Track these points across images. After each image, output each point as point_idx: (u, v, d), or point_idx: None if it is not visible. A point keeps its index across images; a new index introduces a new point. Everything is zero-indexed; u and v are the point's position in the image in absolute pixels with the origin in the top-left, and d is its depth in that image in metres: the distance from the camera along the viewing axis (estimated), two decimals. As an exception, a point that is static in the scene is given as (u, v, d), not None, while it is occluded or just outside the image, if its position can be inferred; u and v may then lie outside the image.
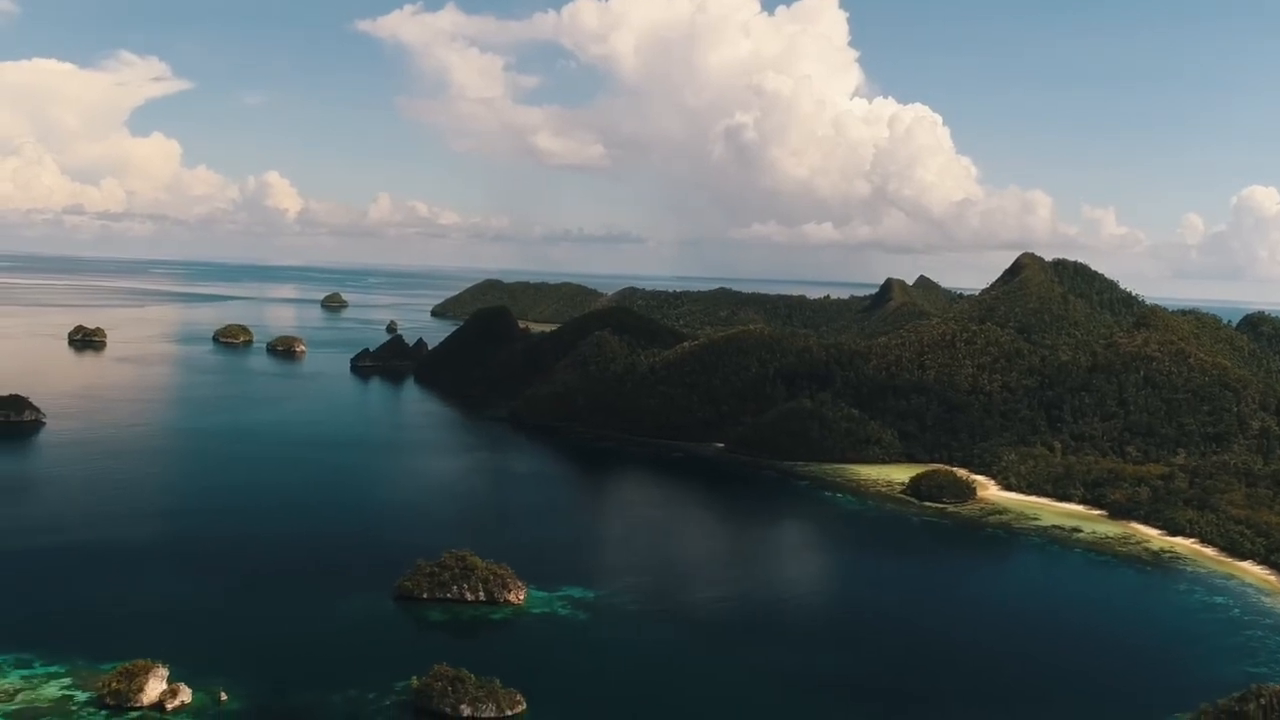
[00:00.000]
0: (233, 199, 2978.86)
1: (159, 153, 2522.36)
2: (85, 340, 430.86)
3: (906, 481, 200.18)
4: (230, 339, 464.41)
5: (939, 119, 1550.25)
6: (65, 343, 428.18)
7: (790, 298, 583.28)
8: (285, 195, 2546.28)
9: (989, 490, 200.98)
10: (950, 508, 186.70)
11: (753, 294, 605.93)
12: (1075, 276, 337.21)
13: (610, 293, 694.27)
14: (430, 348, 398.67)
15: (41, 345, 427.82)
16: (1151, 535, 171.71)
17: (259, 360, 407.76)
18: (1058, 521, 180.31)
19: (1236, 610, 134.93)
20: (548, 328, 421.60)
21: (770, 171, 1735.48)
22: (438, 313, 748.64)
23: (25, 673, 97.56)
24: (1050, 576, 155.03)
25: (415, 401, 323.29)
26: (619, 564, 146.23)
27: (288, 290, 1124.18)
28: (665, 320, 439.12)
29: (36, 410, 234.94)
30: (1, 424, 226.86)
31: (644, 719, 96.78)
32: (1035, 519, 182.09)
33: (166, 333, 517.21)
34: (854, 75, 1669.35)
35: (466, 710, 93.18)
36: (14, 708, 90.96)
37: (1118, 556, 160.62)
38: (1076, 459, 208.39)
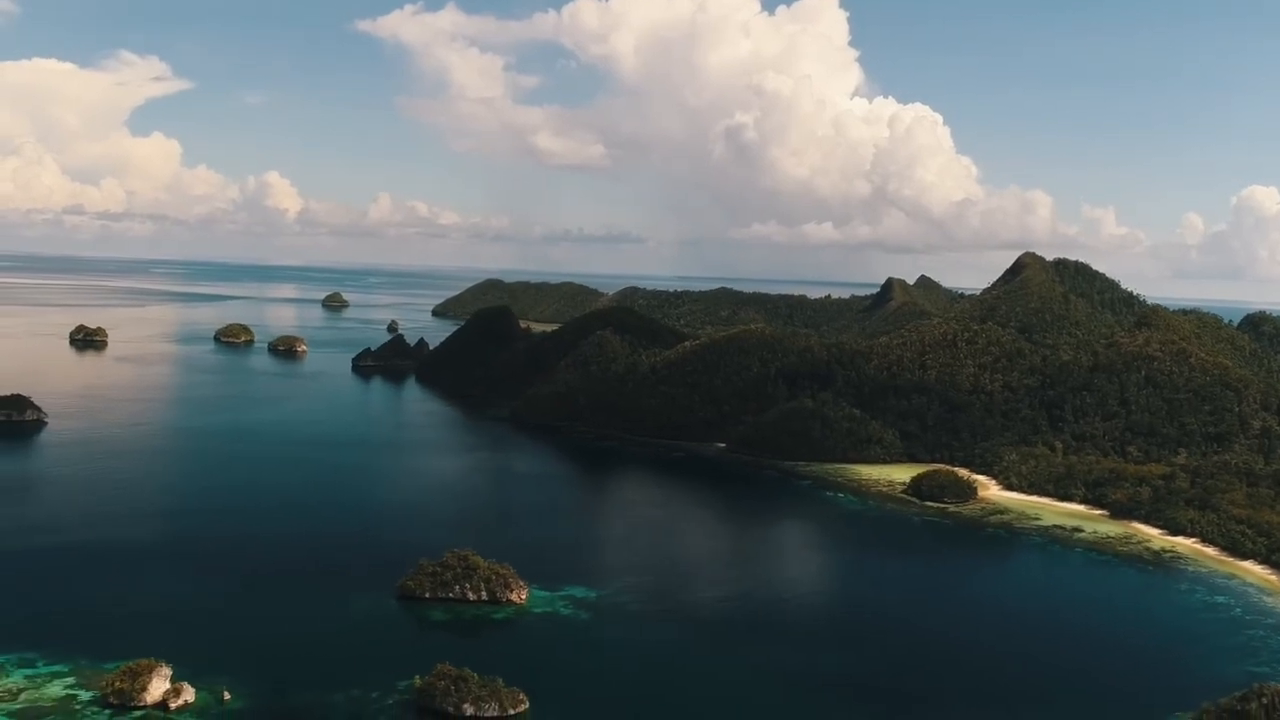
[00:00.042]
0: (233, 199, 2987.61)
1: (159, 152, 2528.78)
2: (87, 340, 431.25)
3: (908, 481, 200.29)
4: (231, 338, 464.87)
5: (939, 119, 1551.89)
6: (67, 342, 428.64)
7: (791, 298, 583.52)
8: (285, 195, 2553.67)
9: (990, 490, 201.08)
10: (951, 507, 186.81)
11: (753, 294, 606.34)
12: (1076, 276, 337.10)
13: (611, 292, 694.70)
14: (431, 347, 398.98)
15: (43, 345, 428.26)
16: (1153, 535, 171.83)
17: (260, 360, 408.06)
18: (1059, 521, 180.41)
19: (1238, 610, 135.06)
20: (548, 327, 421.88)
21: (770, 171, 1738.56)
22: (438, 312, 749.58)
23: (29, 672, 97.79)
24: (1051, 576, 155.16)
25: (417, 401, 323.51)
26: (621, 563, 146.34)
27: (288, 290, 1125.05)
28: (666, 320, 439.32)
29: (39, 410, 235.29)
30: (4, 423, 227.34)
31: (646, 718, 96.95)
32: (1036, 519, 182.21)
33: (167, 332, 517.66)
34: (854, 75, 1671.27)
35: (469, 709, 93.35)
36: (18, 707, 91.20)
37: (1119, 556, 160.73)
38: (1078, 459, 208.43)
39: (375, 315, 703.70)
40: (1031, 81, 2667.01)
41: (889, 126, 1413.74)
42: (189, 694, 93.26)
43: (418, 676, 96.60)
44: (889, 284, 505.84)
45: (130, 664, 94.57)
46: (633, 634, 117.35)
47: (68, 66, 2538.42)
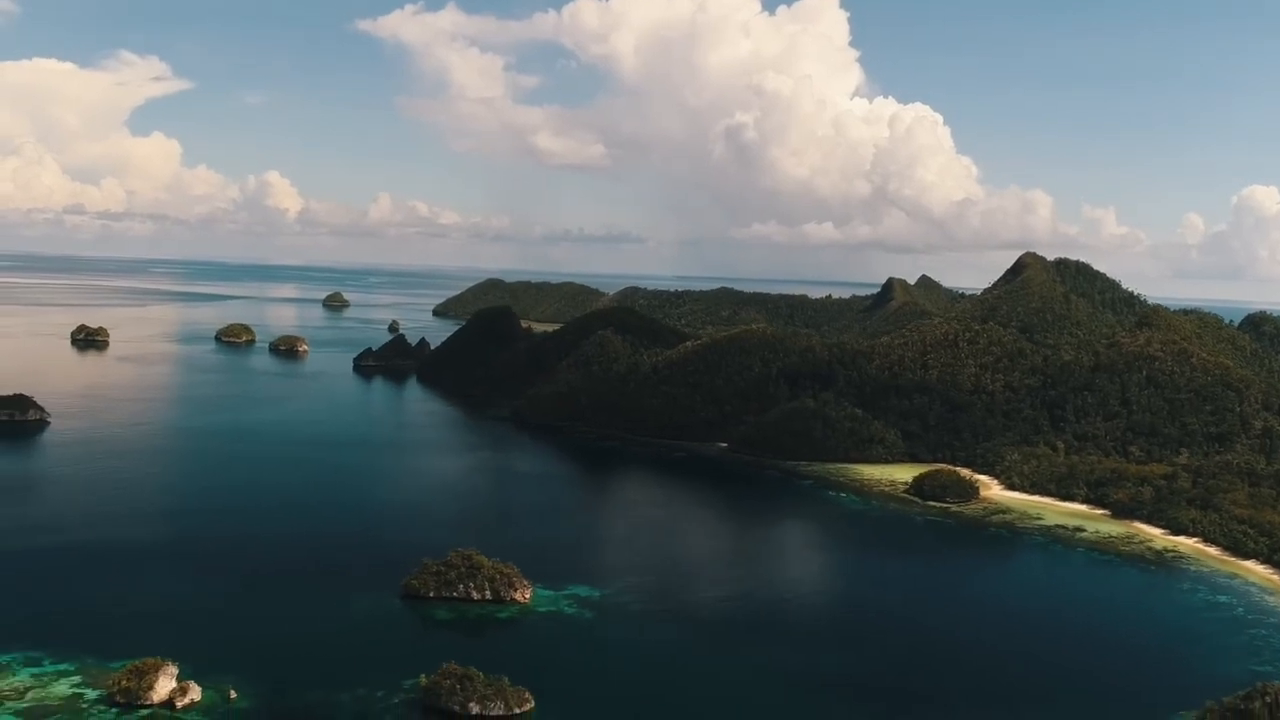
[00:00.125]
0: (233, 199, 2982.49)
1: (159, 152, 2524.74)
2: (88, 339, 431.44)
3: (910, 481, 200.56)
4: (233, 338, 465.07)
5: (939, 119, 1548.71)
6: (68, 342, 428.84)
7: (792, 297, 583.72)
8: (285, 195, 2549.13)
9: (992, 490, 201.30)
10: (953, 507, 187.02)
11: (754, 294, 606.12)
12: (1077, 276, 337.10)
13: (611, 292, 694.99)
14: (433, 347, 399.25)
15: (44, 345, 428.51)
16: (1155, 535, 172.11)
17: (261, 360, 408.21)
18: (1061, 521, 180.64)
19: (1240, 609, 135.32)
20: (549, 327, 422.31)
21: (770, 171, 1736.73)
22: (439, 312, 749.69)
23: (35, 671, 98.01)
24: (1053, 576, 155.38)
25: (418, 401, 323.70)
26: (623, 563, 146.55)
27: (289, 290, 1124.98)
28: (667, 320, 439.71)
29: (41, 410, 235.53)
30: (6, 423, 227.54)
31: (649, 717, 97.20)
32: (1038, 518, 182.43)
33: (168, 332, 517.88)
34: (854, 75, 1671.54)
35: (475, 708, 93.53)
36: (24, 705, 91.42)
37: (1121, 556, 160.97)
38: (1079, 459, 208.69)
39: (376, 315, 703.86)
40: (1032, 82, 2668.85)
41: (889, 126, 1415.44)
42: (195, 693, 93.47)
43: (423, 675, 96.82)
44: (890, 284, 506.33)
45: (136, 663, 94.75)
46: (636, 633, 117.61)
47: (68, 66, 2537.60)
